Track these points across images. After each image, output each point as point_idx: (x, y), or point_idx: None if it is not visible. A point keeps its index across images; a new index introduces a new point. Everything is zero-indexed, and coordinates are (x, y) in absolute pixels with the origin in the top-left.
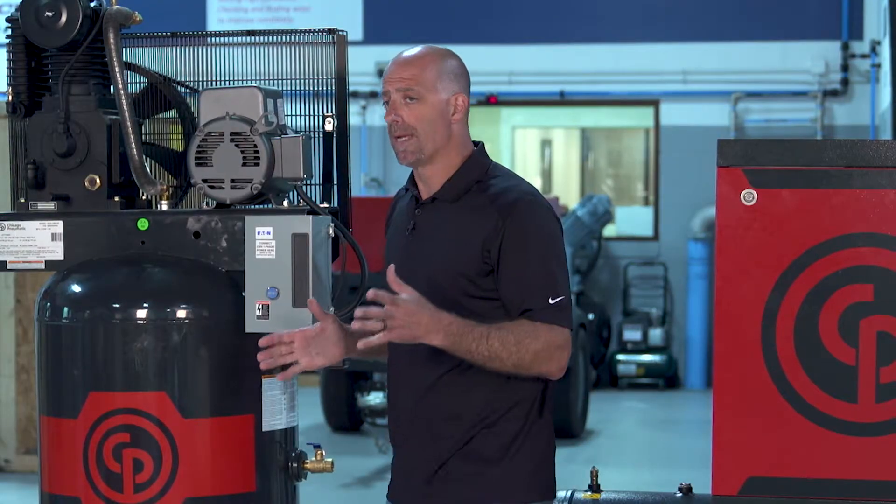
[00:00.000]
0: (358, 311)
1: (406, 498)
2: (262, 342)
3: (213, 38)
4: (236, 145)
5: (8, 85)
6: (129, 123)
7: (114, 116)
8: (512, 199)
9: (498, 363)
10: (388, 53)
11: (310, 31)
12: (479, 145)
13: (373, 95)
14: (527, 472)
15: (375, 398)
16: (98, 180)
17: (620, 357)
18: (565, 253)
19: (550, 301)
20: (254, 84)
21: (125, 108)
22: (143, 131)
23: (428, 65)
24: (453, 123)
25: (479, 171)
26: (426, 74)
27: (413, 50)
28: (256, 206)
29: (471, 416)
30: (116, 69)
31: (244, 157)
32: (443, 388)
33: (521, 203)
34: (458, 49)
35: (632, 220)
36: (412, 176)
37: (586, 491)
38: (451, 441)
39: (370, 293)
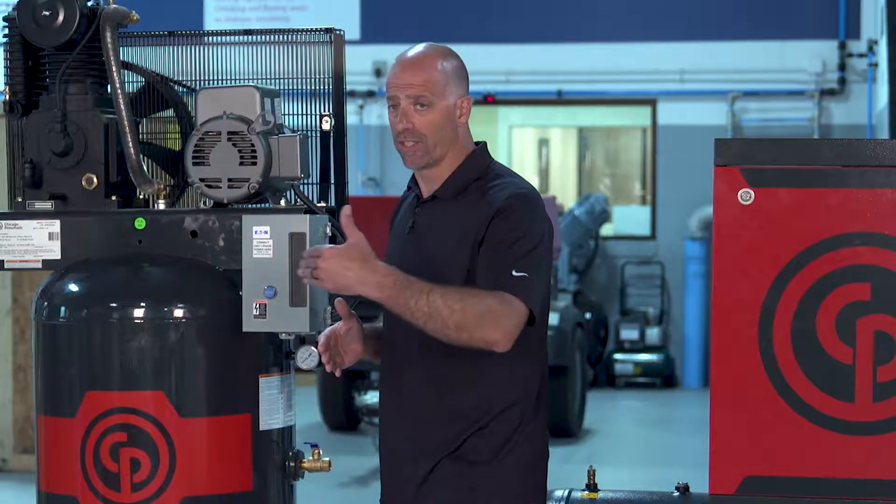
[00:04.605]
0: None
1: (396, 500)
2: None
3: (210, 38)
4: (233, 144)
5: (5, 84)
6: (126, 123)
7: (111, 116)
8: (504, 194)
9: (439, 322)
10: (385, 52)
11: (307, 31)
12: (480, 145)
13: (370, 95)
14: (517, 474)
15: (373, 397)
16: (95, 179)
17: (617, 356)
18: (550, 249)
19: (514, 273)
20: (251, 83)
21: (122, 107)
22: (140, 130)
23: (436, 69)
24: (459, 126)
25: (479, 169)
26: (436, 80)
27: (417, 50)
28: (254, 206)
29: (466, 419)
30: (114, 68)
31: (241, 157)
32: (439, 388)
33: (511, 198)
34: (455, 48)
35: (629, 219)
36: (414, 175)
37: (583, 490)
38: (443, 443)
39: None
